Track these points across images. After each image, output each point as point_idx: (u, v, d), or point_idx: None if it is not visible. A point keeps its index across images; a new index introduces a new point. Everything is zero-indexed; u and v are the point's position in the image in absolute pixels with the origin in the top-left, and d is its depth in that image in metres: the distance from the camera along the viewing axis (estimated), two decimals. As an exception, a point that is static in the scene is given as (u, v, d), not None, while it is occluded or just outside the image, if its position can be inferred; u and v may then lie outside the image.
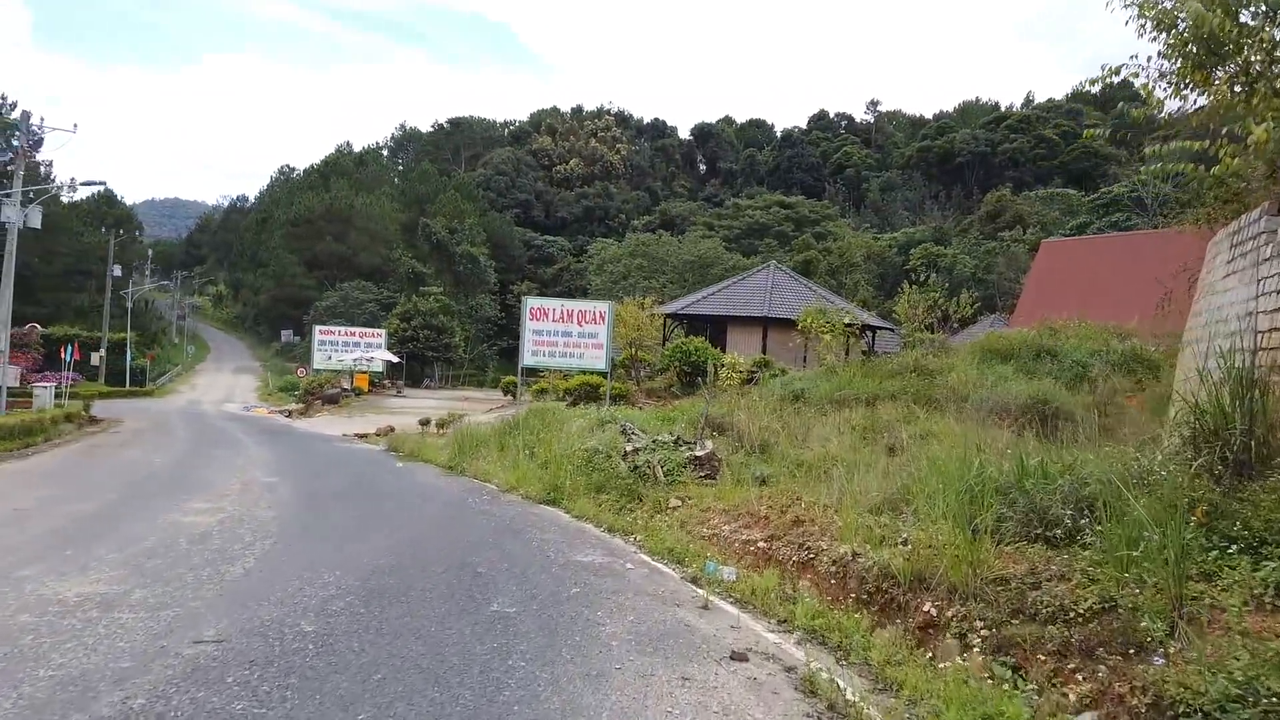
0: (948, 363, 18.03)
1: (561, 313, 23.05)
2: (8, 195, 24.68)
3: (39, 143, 69.05)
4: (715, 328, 33.56)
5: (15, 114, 63.05)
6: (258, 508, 11.25)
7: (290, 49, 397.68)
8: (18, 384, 27.15)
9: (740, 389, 25.90)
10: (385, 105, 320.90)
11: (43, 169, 65.26)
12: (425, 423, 24.90)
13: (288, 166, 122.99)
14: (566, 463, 12.18)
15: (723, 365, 27.95)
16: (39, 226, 25.28)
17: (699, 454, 11.28)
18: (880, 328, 36.31)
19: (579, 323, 22.85)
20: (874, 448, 13.50)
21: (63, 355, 32.51)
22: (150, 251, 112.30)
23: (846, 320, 26.59)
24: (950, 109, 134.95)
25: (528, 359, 23.31)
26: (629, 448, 12.21)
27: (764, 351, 32.16)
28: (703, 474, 11.02)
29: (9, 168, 61.87)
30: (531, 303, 23.45)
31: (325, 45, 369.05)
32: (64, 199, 71.85)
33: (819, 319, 21.57)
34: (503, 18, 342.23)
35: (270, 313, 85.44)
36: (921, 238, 75.46)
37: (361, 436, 25.29)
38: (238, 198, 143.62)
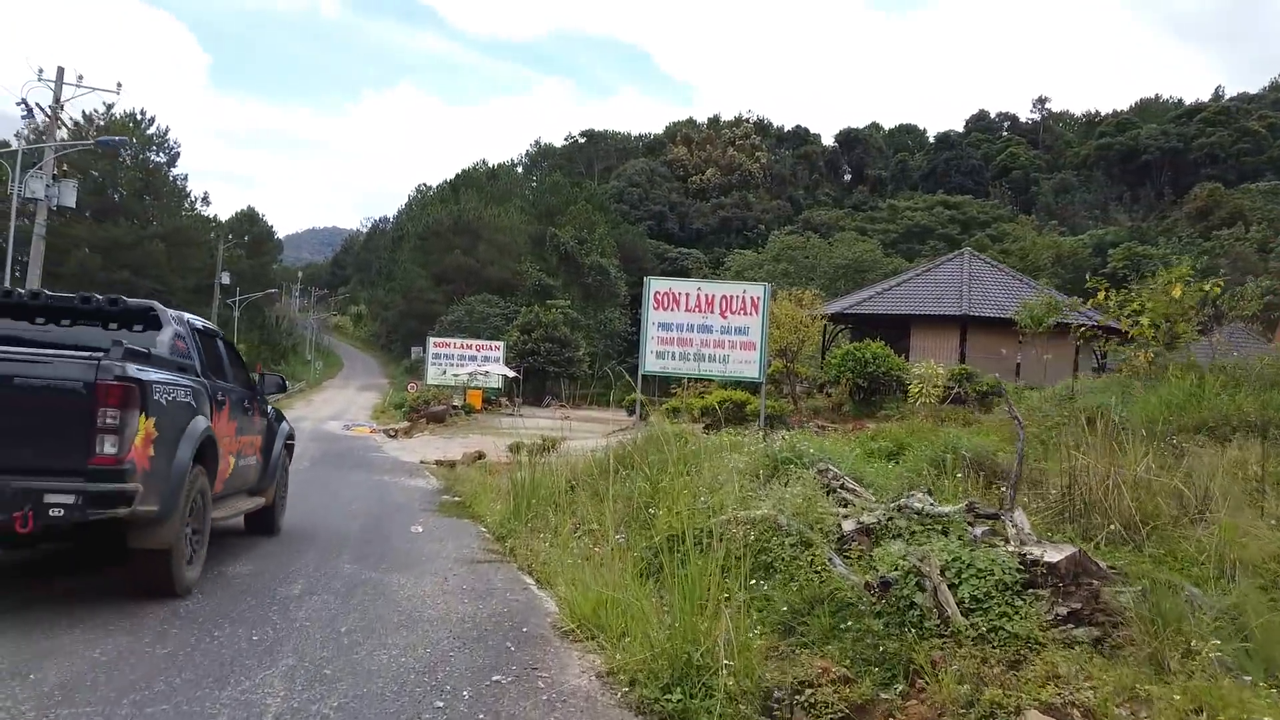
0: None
1: (699, 298, 16.33)
2: (46, 174, 20.73)
3: (176, 157, 69.62)
4: (894, 330, 26.17)
5: (152, 128, 63.26)
6: None
7: (439, 80, 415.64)
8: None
9: (939, 407, 19.19)
10: (523, 127, 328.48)
11: (177, 181, 65.27)
12: (515, 449, 19.09)
13: (424, 185, 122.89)
14: (716, 557, 5.36)
15: (914, 377, 21.29)
16: (72, 205, 21.37)
17: (1050, 559, 4.48)
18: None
19: (722, 313, 16.14)
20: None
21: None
22: (300, 274, 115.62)
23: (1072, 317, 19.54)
24: (1125, 107, 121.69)
25: (650, 364, 16.70)
26: (849, 525, 5.55)
27: (962, 359, 24.70)
28: (1064, 614, 4.24)
29: (149, 180, 61.79)
30: (656, 285, 16.78)
31: (472, 75, 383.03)
32: (202, 212, 72.05)
33: (1117, 303, 14.38)
34: (648, 49, 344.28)
35: (400, 328, 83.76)
36: (1118, 238, 64.63)
37: (439, 464, 19.87)
38: (379, 219, 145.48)
